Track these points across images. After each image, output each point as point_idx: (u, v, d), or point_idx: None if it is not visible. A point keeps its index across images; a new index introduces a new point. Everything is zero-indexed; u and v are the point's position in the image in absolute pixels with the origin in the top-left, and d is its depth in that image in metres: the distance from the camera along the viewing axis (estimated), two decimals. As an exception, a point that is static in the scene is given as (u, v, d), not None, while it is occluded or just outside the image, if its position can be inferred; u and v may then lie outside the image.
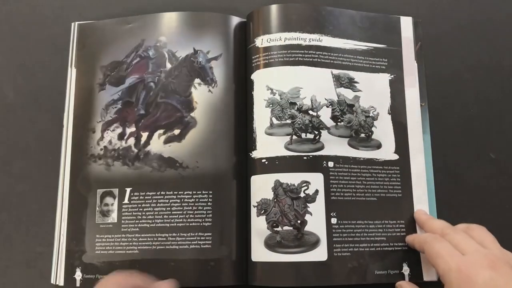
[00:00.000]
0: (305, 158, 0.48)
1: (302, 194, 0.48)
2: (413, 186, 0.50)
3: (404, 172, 0.51)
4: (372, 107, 0.52)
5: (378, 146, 0.51)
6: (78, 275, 0.49)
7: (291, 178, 0.48)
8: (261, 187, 0.48)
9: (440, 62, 0.56)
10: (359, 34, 0.54)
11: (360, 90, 0.52)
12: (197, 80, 0.53)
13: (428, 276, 0.48)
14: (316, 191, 0.48)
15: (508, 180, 0.53)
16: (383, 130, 0.52)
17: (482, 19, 0.58)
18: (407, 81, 0.54)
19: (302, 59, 0.51)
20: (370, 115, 0.52)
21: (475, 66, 0.57)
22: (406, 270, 0.48)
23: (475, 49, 0.57)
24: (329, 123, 0.51)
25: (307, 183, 0.48)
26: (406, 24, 0.55)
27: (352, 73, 0.52)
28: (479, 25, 0.58)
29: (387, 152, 0.51)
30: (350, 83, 0.52)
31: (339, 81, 0.51)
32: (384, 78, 0.53)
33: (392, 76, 0.53)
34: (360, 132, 0.51)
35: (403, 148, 0.51)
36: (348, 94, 0.52)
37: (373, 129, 0.51)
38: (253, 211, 0.48)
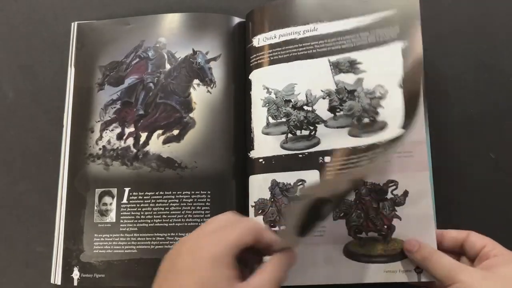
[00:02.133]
0: (300, 156, 0.48)
1: (298, 193, 0.47)
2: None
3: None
4: (379, 85, 0.47)
5: (382, 127, 0.47)
6: (76, 274, 0.49)
7: (287, 177, 0.47)
8: (259, 187, 0.48)
9: (440, 62, 0.56)
10: (361, 8, 0.49)
11: (364, 71, 0.48)
12: (196, 81, 0.53)
13: None
14: None
15: (508, 180, 0.53)
16: (392, 108, 0.47)
17: (482, 19, 0.58)
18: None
19: (296, 53, 0.50)
20: (377, 95, 0.48)
21: (475, 66, 0.56)
22: None
23: (475, 49, 0.57)
24: (327, 115, 0.48)
25: (302, 181, 0.47)
26: None
27: (355, 54, 0.48)
28: (479, 25, 0.57)
29: (393, 129, 0.46)
30: (352, 67, 0.49)
31: (337, 68, 0.49)
32: (395, 48, 0.48)
33: (406, 43, 0.48)
34: (363, 117, 0.48)
35: (412, 120, 0.44)
36: (349, 79, 0.49)
37: (379, 109, 0.47)
38: (251, 210, 0.48)
